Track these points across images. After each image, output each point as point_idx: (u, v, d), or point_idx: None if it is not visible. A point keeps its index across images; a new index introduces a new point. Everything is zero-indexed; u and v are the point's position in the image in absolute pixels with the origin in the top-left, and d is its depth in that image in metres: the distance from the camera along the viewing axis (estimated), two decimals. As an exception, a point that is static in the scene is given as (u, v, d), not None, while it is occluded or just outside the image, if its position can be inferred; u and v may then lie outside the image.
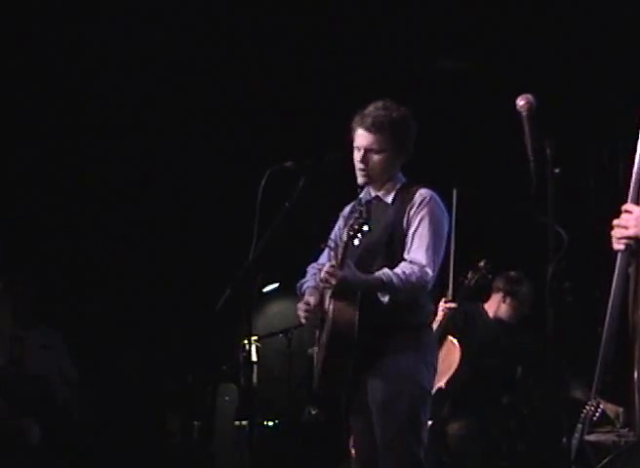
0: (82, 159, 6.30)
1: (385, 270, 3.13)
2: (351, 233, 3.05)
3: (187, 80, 5.97)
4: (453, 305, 4.75)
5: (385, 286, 3.10)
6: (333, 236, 3.51)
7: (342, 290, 3.12)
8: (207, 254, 7.04)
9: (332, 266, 3.12)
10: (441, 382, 4.54)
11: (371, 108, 3.27)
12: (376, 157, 3.27)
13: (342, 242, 3.15)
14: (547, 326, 2.33)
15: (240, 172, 3.20)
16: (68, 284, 6.55)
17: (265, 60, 5.87)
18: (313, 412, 6.48)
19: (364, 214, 3.07)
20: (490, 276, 4.96)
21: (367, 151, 3.27)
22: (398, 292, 3.10)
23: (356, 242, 3.06)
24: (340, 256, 3.13)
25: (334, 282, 3.09)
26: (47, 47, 5.57)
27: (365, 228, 3.04)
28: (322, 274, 3.12)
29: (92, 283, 6.74)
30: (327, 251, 3.51)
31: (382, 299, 3.12)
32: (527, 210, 2.34)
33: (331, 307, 3.15)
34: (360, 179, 3.31)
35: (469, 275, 4.88)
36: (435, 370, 3.32)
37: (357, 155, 3.29)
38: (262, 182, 3.22)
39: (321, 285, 3.18)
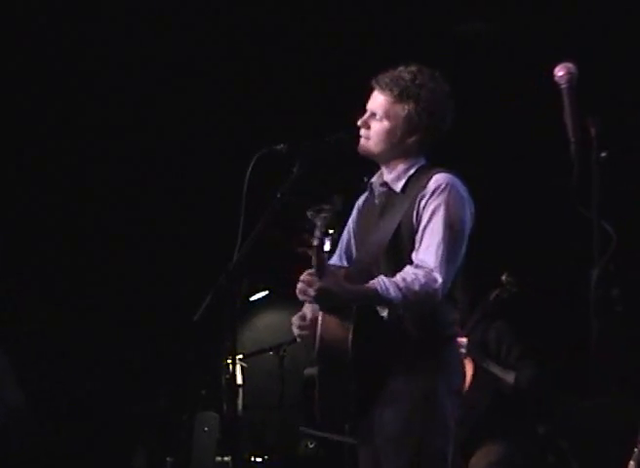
0: (82, 159, 7.03)
1: (381, 278, 3.04)
2: (320, 236, 2.99)
3: (187, 80, 6.60)
4: (463, 341, 4.73)
5: (379, 297, 3.01)
6: (345, 231, 3.47)
7: (324, 303, 3.06)
8: (183, 258, 7.15)
9: (309, 274, 3.06)
10: None
11: (400, 68, 3.26)
12: (378, 124, 3.24)
13: (314, 247, 3.06)
14: (592, 340, 2.33)
15: (241, 172, 3.21)
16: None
17: (266, 50, 6.34)
18: (311, 446, 6.51)
19: (329, 216, 3.01)
20: (515, 289, 4.98)
21: (372, 114, 3.26)
22: (397, 304, 3.02)
23: (327, 247, 3.01)
24: (316, 262, 3.04)
25: (312, 293, 3.03)
26: (47, 47, 6.22)
27: (330, 232, 3.00)
28: (298, 284, 3.07)
29: (53, 294, 7.20)
30: (338, 248, 3.46)
31: (382, 314, 3.06)
32: (567, 202, 2.34)
33: (319, 322, 3.09)
34: (359, 147, 3.28)
35: (492, 291, 4.96)
36: (461, 394, 3.24)
37: (361, 119, 3.28)
38: (249, 169, 3.17)
39: (300, 297, 3.11)
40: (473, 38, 6.06)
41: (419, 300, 3.03)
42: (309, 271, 3.08)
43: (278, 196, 3.18)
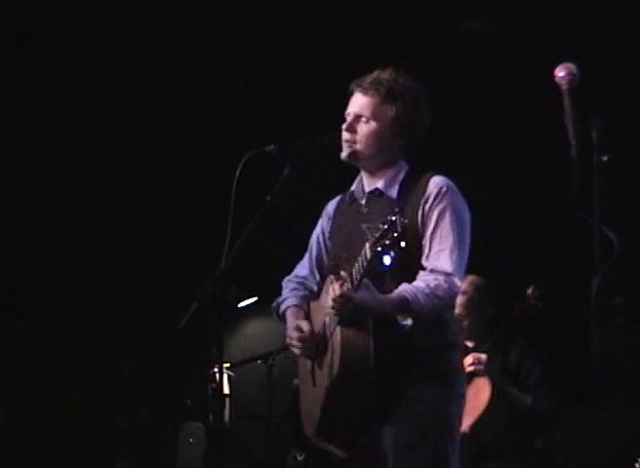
0: (82, 159, 7.24)
1: (405, 286, 3.06)
2: (379, 249, 2.83)
3: (187, 80, 6.83)
4: (482, 357, 4.75)
5: (410, 305, 3.03)
6: (315, 241, 3.48)
7: (359, 316, 3.07)
8: (169, 263, 7.15)
9: (342, 286, 3.02)
10: (464, 426, 4.55)
11: (376, 71, 3.27)
12: (365, 127, 3.23)
13: (363, 258, 2.94)
14: (593, 351, 2.33)
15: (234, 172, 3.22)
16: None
17: (267, 53, 6.53)
18: (299, 458, 6.50)
19: (398, 227, 2.82)
20: (540, 305, 4.96)
21: (357, 117, 3.24)
22: (425, 310, 3.05)
23: (387, 261, 2.86)
24: (356, 275, 3.01)
25: (350, 307, 3.01)
26: (47, 47, 6.47)
27: (402, 245, 2.84)
28: (330, 299, 3.03)
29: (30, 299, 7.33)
30: (306, 259, 3.49)
31: (404, 323, 3.08)
32: (567, 207, 2.34)
33: (338, 336, 3.08)
34: (343, 153, 3.26)
35: (516, 306, 4.94)
36: (465, 398, 3.27)
37: (345, 123, 3.27)
38: (238, 171, 3.17)
39: (331, 312, 3.10)
40: (471, 37, 6.07)
41: (443, 305, 3.12)
42: (343, 284, 3.05)
43: (268, 199, 3.18)
